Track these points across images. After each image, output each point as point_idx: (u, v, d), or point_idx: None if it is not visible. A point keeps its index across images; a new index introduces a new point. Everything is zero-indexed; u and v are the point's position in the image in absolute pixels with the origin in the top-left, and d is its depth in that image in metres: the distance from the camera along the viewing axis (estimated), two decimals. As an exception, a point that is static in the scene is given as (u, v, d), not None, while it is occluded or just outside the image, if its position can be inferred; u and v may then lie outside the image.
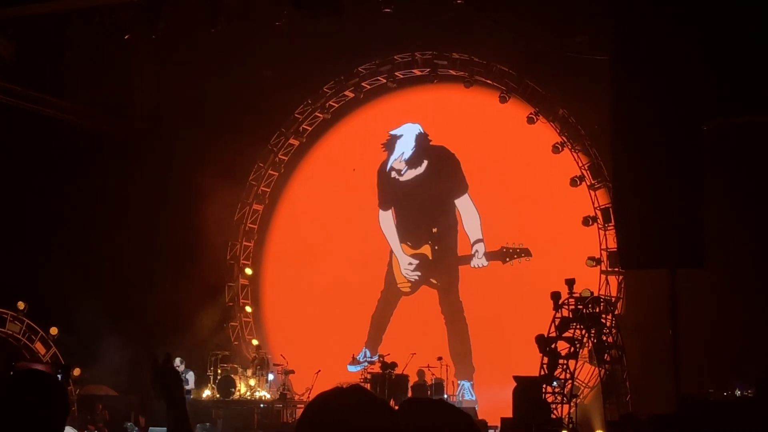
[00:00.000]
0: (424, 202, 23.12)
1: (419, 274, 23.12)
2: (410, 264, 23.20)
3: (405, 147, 23.42)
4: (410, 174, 23.35)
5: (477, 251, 22.38)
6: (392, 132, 23.63)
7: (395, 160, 23.44)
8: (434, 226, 23.05)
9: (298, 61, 22.37)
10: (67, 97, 22.10)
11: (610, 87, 16.78)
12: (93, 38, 20.29)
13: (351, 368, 22.44)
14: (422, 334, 21.84)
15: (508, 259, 21.77)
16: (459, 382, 21.74)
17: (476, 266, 22.36)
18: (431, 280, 22.98)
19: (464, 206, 22.75)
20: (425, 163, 23.23)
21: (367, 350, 22.71)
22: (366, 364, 21.97)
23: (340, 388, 2.49)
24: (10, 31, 19.42)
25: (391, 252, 23.50)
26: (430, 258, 23.07)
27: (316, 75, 23.44)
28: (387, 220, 23.65)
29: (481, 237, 22.40)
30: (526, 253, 21.59)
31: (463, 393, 21.54)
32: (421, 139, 23.32)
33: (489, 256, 22.19)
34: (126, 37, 20.31)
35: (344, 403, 2.42)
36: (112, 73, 21.59)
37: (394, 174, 23.48)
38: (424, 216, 23.18)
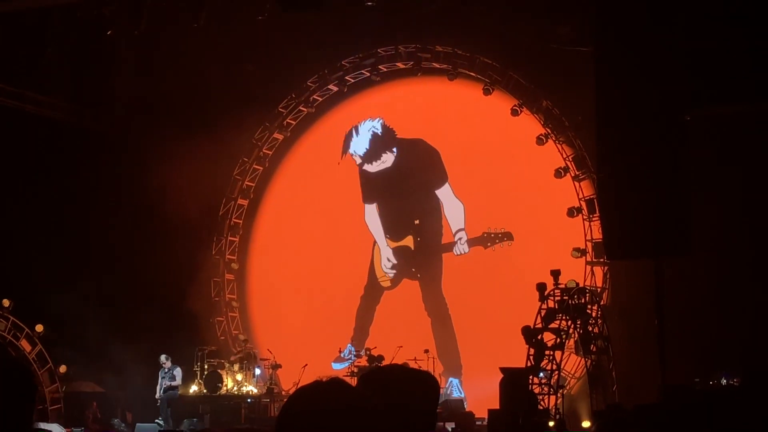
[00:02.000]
0: (405, 194, 23.11)
1: (397, 268, 23.11)
2: (389, 260, 23.20)
3: (358, 146, 23.41)
4: (372, 167, 23.33)
5: (460, 238, 22.38)
6: (352, 129, 23.65)
7: (355, 154, 23.47)
8: (416, 218, 23.05)
9: (281, 55, 22.35)
10: (50, 92, 21.99)
11: (594, 78, 16.84)
12: (75, 34, 20.21)
13: (335, 366, 22.37)
14: (409, 327, 21.86)
15: (489, 244, 21.78)
16: (447, 379, 21.71)
17: (458, 253, 22.37)
18: (412, 269, 22.96)
19: (446, 197, 22.73)
20: (390, 156, 23.15)
21: (351, 346, 22.64)
22: (351, 360, 21.93)
23: (319, 382, 2.48)
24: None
25: (374, 246, 23.48)
26: (413, 249, 23.09)
27: (299, 69, 23.39)
28: (372, 214, 23.63)
29: (463, 226, 22.40)
30: (508, 237, 21.57)
31: (452, 390, 21.50)
32: (378, 138, 23.26)
33: (471, 242, 22.21)
34: (108, 32, 20.24)
35: (323, 397, 2.41)
36: (95, 68, 21.52)
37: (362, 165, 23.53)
38: (406, 208, 23.19)
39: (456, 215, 22.59)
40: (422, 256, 22.97)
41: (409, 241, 23.09)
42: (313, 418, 2.37)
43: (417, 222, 23.02)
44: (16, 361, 3.51)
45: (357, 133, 23.49)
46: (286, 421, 2.41)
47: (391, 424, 2.46)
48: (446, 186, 22.72)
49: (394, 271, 23.13)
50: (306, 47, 22.17)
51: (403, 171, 23.20)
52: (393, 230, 23.31)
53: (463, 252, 22.35)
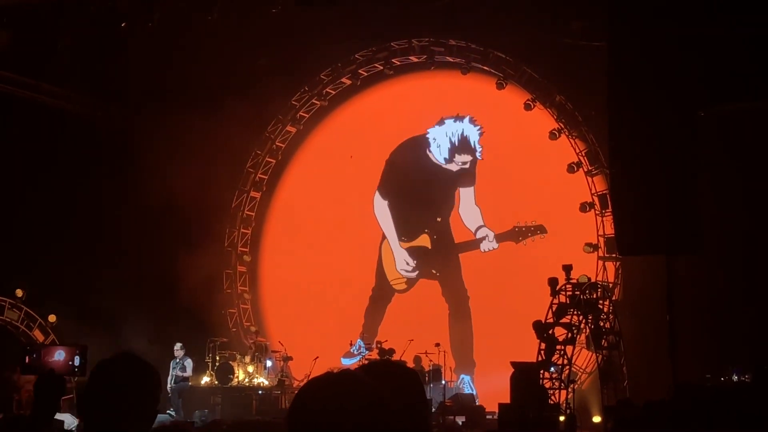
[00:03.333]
0: (431, 191, 22.94)
1: (417, 270, 22.99)
2: (407, 262, 23.03)
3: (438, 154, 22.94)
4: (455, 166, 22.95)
5: (487, 235, 22.17)
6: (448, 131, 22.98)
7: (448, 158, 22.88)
8: (438, 215, 22.83)
9: (294, 48, 22.34)
10: (63, 84, 22.04)
11: (606, 74, 16.78)
12: (89, 26, 20.25)
13: (345, 361, 22.38)
14: (421, 321, 21.85)
15: (521, 238, 21.56)
16: (459, 375, 21.67)
17: (486, 250, 22.13)
18: (432, 270, 22.86)
19: (466, 196, 22.62)
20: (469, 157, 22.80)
21: (361, 341, 22.64)
22: (362, 354, 21.93)
23: (331, 374, 2.49)
24: (5, 18, 19.38)
25: (380, 245, 23.40)
26: (429, 248, 22.97)
27: (313, 62, 23.41)
28: (382, 208, 23.53)
29: (483, 223, 22.26)
30: (541, 230, 21.33)
31: (463, 386, 21.47)
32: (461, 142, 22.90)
33: (500, 237, 21.96)
34: (123, 24, 20.27)
35: (335, 389, 2.42)
36: (108, 60, 21.55)
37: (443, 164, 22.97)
38: (424, 206, 22.96)
39: (474, 213, 22.41)
40: (442, 255, 22.83)
41: (424, 241, 22.92)
42: (325, 410, 2.37)
43: (439, 219, 22.83)
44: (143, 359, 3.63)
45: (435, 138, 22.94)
46: (298, 411, 2.42)
47: (402, 417, 2.47)
48: (471, 188, 22.56)
49: (413, 273, 23.00)
50: (319, 40, 22.17)
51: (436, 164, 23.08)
52: (406, 230, 23.17)
53: (492, 248, 22.10)
